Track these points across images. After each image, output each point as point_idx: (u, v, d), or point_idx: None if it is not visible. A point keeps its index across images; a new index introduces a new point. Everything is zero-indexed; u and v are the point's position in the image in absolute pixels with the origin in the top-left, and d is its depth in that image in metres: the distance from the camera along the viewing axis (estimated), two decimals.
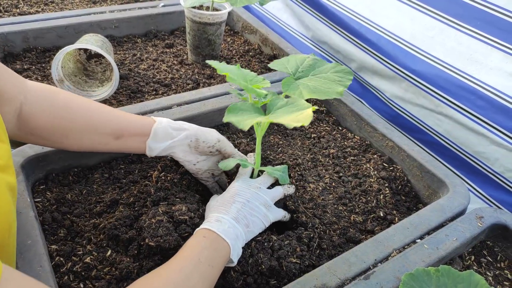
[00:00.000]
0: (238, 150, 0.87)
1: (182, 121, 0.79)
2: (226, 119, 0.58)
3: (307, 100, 0.62)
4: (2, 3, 1.38)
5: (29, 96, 0.66)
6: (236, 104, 0.61)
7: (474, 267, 0.74)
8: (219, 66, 0.66)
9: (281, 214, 0.73)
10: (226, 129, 1.00)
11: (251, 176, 0.76)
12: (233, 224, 0.64)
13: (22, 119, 0.66)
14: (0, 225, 0.47)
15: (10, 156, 0.53)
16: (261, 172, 0.77)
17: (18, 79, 0.66)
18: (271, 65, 0.71)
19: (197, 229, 0.64)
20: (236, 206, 0.66)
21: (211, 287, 0.58)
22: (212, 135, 0.78)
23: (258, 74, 0.75)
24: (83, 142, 0.72)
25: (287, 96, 0.65)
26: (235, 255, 0.62)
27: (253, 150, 0.88)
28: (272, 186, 0.74)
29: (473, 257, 0.75)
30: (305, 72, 0.69)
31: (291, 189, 0.76)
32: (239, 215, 0.65)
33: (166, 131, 0.75)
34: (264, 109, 0.64)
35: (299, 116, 0.56)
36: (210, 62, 0.68)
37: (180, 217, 0.69)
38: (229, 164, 0.73)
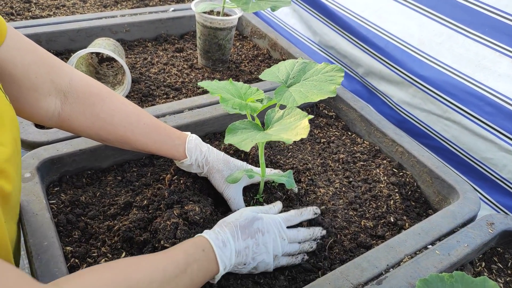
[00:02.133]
0: (247, 156, 0.90)
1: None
2: (226, 140, 0.59)
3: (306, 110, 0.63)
4: (14, 6, 1.40)
5: (70, 97, 0.66)
6: (234, 124, 0.63)
7: (485, 274, 0.74)
8: (211, 87, 0.66)
9: (284, 263, 0.69)
10: None
11: (258, 188, 0.79)
12: (232, 256, 0.61)
13: (63, 119, 0.67)
14: None
15: (7, 160, 0.50)
16: (268, 181, 0.79)
17: (54, 68, 0.65)
18: (262, 76, 0.70)
19: (201, 234, 0.62)
20: (249, 243, 0.64)
21: None
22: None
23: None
24: (118, 146, 0.75)
25: (282, 106, 0.66)
26: (217, 279, 0.61)
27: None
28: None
29: (483, 264, 0.76)
30: (297, 78, 0.68)
31: (320, 233, 0.74)
32: (244, 251, 0.63)
33: (190, 167, 0.78)
34: (262, 121, 0.66)
35: (296, 129, 0.57)
36: (201, 83, 0.68)
37: (196, 217, 0.70)
38: (237, 177, 0.75)
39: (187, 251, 0.58)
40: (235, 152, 0.91)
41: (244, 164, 0.81)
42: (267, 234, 0.66)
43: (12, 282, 0.37)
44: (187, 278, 0.55)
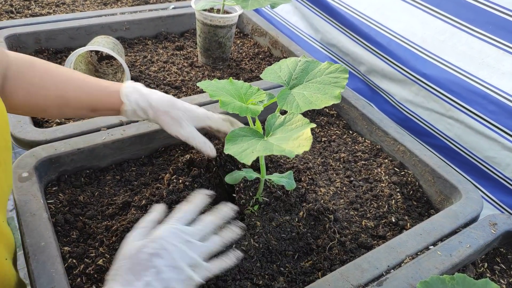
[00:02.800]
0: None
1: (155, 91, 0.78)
2: (226, 150, 0.57)
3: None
4: (14, 4, 1.39)
5: (9, 72, 0.67)
6: (234, 131, 0.61)
7: (487, 275, 0.73)
8: (210, 88, 0.64)
9: (216, 270, 0.55)
10: None
11: (258, 187, 0.77)
12: None
13: (5, 95, 0.66)
14: None
15: None
16: (268, 180, 0.78)
17: (1, 53, 0.65)
18: (263, 75, 0.67)
19: None
20: (148, 278, 0.49)
21: None
22: (193, 113, 0.78)
23: None
24: (61, 114, 0.76)
25: (283, 111, 0.64)
26: None
27: None
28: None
29: (486, 264, 0.75)
30: (299, 79, 0.66)
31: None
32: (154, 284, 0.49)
33: (134, 113, 0.76)
34: (262, 120, 0.64)
35: (299, 140, 0.55)
36: (200, 84, 0.67)
37: None
38: (236, 177, 0.74)
39: None
40: None
41: (195, 108, 0.78)
42: (165, 252, 0.51)
43: None
44: None
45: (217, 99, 0.63)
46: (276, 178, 0.75)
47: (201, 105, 0.98)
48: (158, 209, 0.61)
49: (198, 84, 0.68)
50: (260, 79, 1.14)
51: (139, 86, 0.77)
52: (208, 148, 0.78)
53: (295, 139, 0.56)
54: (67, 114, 0.76)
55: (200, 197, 0.61)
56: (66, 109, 0.73)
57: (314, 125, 0.57)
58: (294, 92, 0.64)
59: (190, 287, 0.51)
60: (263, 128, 0.66)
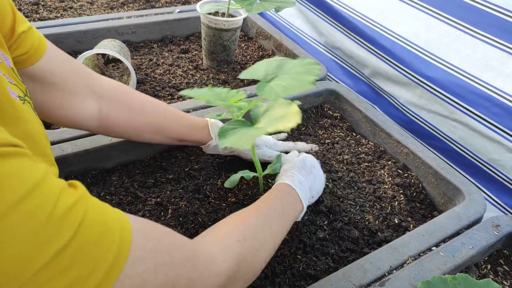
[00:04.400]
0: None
1: None
2: (222, 144, 0.59)
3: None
4: (22, 8, 1.42)
5: (104, 97, 0.74)
6: (223, 127, 0.63)
7: (490, 276, 0.73)
8: (193, 94, 0.68)
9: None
10: None
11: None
12: (307, 192, 0.72)
13: (102, 118, 0.74)
14: None
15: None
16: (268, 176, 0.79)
17: (88, 74, 0.73)
18: (242, 75, 0.70)
19: (282, 181, 0.70)
20: (311, 178, 0.75)
21: (282, 239, 0.64)
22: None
23: None
24: (152, 140, 0.82)
25: (265, 101, 0.67)
26: (301, 216, 0.71)
27: None
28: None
29: (489, 266, 0.75)
30: (275, 74, 0.68)
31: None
32: (312, 186, 0.74)
33: (217, 148, 0.86)
34: (249, 119, 0.67)
35: (288, 116, 0.58)
36: (183, 92, 0.68)
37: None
38: (234, 180, 0.78)
39: (279, 197, 0.67)
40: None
41: (270, 138, 0.90)
42: (317, 166, 0.79)
43: (177, 239, 0.45)
44: (284, 219, 0.64)
45: (202, 99, 0.66)
46: (270, 170, 0.78)
47: (205, 107, 0.99)
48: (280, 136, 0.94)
49: (180, 92, 0.73)
50: (257, 81, 1.15)
51: (219, 123, 0.86)
52: (299, 146, 0.94)
53: (284, 117, 0.59)
54: (157, 140, 0.83)
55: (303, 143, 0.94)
56: (158, 135, 0.81)
57: (299, 102, 0.61)
58: (271, 84, 0.66)
59: (321, 193, 0.80)
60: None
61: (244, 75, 0.70)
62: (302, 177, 0.72)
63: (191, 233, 0.74)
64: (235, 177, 0.77)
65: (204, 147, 0.87)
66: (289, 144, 0.92)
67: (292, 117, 0.57)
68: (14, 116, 0.49)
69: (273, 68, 0.69)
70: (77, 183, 0.39)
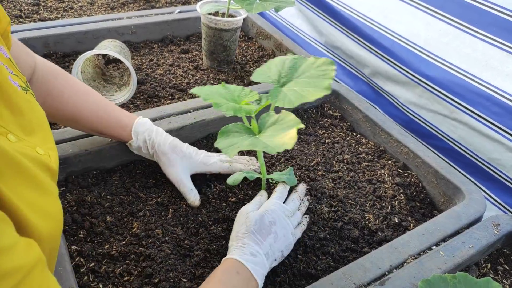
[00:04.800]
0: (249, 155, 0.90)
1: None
2: (216, 144, 0.59)
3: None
4: (23, 9, 1.42)
5: (34, 78, 0.70)
6: (228, 127, 0.62)
7: (491, 275, 0.74)
8: (204, 92, 0.65)
9: (299, 235, 0.73)
10: None
11: (261, 185, 0.80)
12: (264, 262, 0.62)
13: None
14: (55, 232, 0.48)
15: (58, 165, 0.55)
16: (270, 180, 0.79)
17: (28, 55, 0.70)
18: (253, 77, 0.68)
19: (229, 257, 0.62)
20: (270, 240, 0.65)
21: None
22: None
23: None
24: (71, 127, 0.82)
25: (276, 109, 0.65)
26: None
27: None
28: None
29: (489, 265, 0.75)
30: (289, 76, 0.66)
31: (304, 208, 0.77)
32: (270, 250, 0.64)
33: (139, 150, 0.82)
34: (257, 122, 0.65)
35: (284, 139, 0.56)
36: (193, 90, 0.67)
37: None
38: (237, 179, 0.76)
39: (223, 280, 0.58)
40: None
41: (194, 154, 0.81)
42: (279, 222, 0.68)
43: None
44: None
45: (210, 101, 0.64)
46: (277, 176, 0.77)
47: (205, 107, 1.00)
48: (263, 194, 0.77)
49: (191, 91, 0.68)
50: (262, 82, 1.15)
51: (150, 124, 0.82)
52: (192, 196, 0.79)
53: (281, 137, 0.57)
54: (78, 129, 0.82)
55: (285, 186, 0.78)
56: (76, 125, 0.80)
57: (303, 126, 0.57)
58: (285, 89, 0.64)
59: (290, 251, 0.68)
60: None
61: (256, 76, 0.68)
62: (255, 246, 0.62)
63: (192, 233, 0.75)
64: (238, 176, 0.77)
65: (129, 147, 0.83)
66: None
67: (286, 141, 0.55)
68: (19, 105, 0.49)
69: (286, 70, 0.67)
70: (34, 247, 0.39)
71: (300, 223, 0.74)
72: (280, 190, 0.76)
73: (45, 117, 0.56)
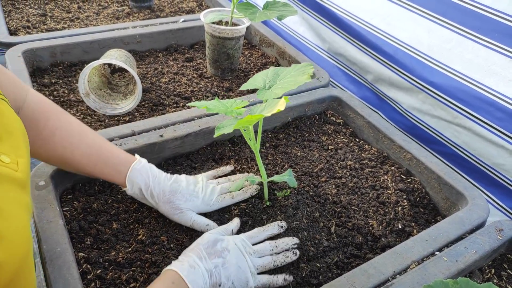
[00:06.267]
0: (248, 163, 0.92)
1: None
2: (216, 134, 0.65)
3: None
4: (30, 20, 1.45)
5: (22, 111, 0.67)
6: (222, 123, 0.68)
7: (494, 281, 0.74)
8: (200, 105, 0.72)
9: (264, 282, 0.67)
10: (237, 147, 1.03)
11: (262, 190, 0.82)
12: (204, 276, 0.61)
13: None
14: (17, 253, 0.41)
15: (29, 173, 0.50)
16: (270, 182, 0.81)
17: (16, 87, 0.66)
18: (242, 88, 0.77)
19: (168, 268, 0.61)
20: (217, 262, 0.63)
21: None
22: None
23: None
24: (62, 168, 0.77)
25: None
26: None
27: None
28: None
29: (493, 270, 0.75)
30: (273, 81, 0.75)
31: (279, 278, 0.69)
32: (215, 270, 0.62)
33: (136, 196, 0.77)
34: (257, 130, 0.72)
35: (276, 106, 0.61)
36: (191, 104, 0.75)
37: None
38: (239, 184, 0.79)
39: None
40: (237, 161, 0.92)
41: (195, 197, 0.77)
42: (233, 251, 0.65)
43: None
44: None
45: (203, 108, 0.71)
46: (277, 178, 0.79)
47: (209, 115, 1.01)
48: (235, 221, 0.76)
49: (188, 105, 0.77)
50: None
51: (147, 168, 0.76)
52: (211, 229, 0.76)
53: (273, 107, 0.62)
54: (70, 170, 0.78)
55: (275, 227, 0.74)
56: (68, 167, 0.76)
57: (288, 99, 0.62)
58: (270, 89, 0.73)
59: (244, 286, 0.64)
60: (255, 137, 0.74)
61: (244, 87, 0.76)
62: (197, 260, 0.61)
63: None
64: (240, 182, 0.81)
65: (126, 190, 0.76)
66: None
67: (278, 106, 0.60)
68: None
69: (270, 77, 0.75)
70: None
71: (273, 274, 0.68)
72: (255, 230, 0.73)
73: (20, 123, 0.53)
